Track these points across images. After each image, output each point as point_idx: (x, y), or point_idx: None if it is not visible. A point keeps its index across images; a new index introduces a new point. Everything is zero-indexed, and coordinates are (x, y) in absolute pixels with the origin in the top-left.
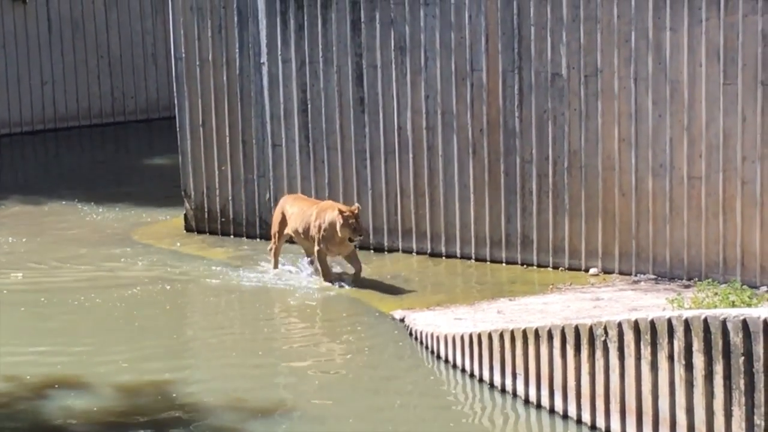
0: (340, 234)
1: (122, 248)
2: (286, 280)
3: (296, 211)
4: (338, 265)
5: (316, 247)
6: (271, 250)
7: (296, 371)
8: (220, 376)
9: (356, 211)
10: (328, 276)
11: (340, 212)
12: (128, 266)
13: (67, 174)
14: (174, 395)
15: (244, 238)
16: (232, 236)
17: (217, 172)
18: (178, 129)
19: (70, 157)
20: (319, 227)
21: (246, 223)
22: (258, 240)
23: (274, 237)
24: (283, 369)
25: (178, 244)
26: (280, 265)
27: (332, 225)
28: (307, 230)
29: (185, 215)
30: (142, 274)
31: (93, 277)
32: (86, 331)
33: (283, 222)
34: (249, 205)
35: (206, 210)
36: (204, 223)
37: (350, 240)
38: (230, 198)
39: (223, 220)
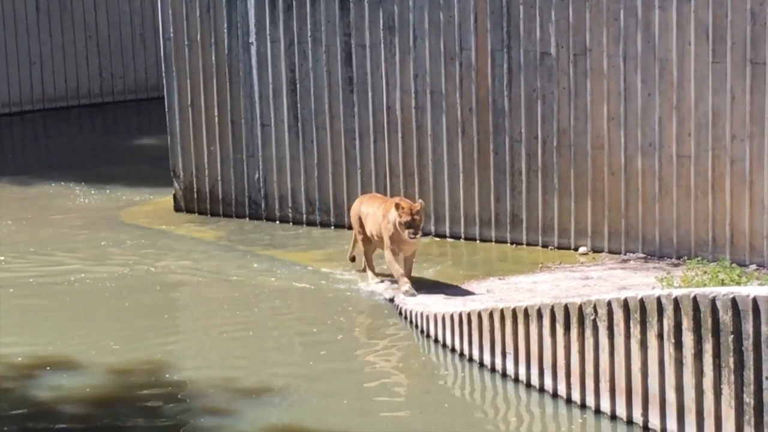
0: (399, 230)
1: (111, 229)
2: (275, 268)
3: (371, 212)
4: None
5: (387, 250)
6: (354, 257)
7: (286, 352)
8: (212, 357)
9: (414, 208)
10: (400, 278)
11: (397, 207)
12: (117, 247)
13: (55, 155)
14: (166, 376)
15: (234, 218)
16: (221, 216)
17: (206, 152)
18: (166, 109)
19: (58, 137)
20: (386, 227)
21: (235, 203)
22: (246, 220)
23: (355, 239)
24: (273, 350)
25: (167, 224)
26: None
27: (394, 222)
28: (379, 232)
29: (174, 195)
30: (131, 255)
31: (82, 258)
32: (77, 313)
33: (361, 224)
34: (238, 185)
35: (195, 190)
36: (193, 204)
37: (406, 236)
38: (219, 178)
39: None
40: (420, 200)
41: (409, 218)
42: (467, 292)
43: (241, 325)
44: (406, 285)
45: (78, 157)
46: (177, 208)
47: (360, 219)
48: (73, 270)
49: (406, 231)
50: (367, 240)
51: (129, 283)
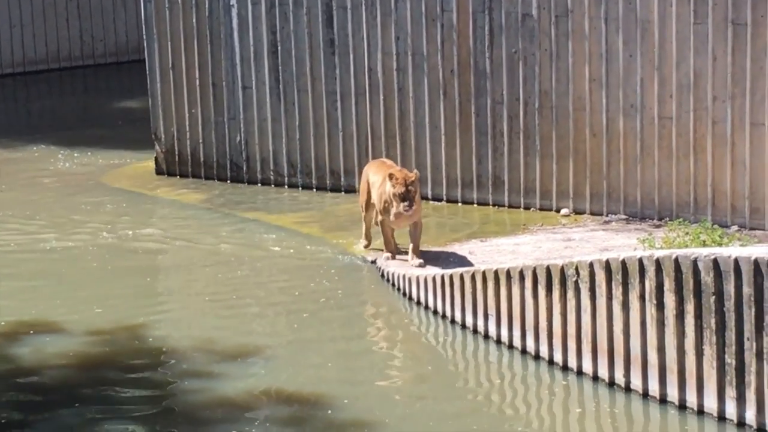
0: (391, 201)
1: (92, 192)
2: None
3: (376, 181)
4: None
5: (379, 217)
6: (365, 218)
7: (269, 315)
8: (195, 320)
9: (409, 178)
10: (389, 248)
11: (390, 177)
12: (99, 211)
13: (36, 118)
14: (150, 339)
15: (215, 180)
16: (203, 179)
17: (187, 115)
18: (147, 72)
19: (39, 101)
20: (379, 196)
21: (217, 166)
22: (228, 182)
23: (361, 207)
24: (256, 313)
25: (149, 187)
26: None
27: (388, 193)
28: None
29: (156, 158)
30: (113, 218)
31: (63, 222)
32: (59, 277)
33: (369, 191)
34: (219, 148)
35: (177, 153)
36: (175, 166)
37: (398, 209)
38: (200, 141)
39: (193, 162)
40: (415, 170)
41: (402, 189)
42: (450, 254)
43: (224, 289)
44: (387, 255)
45: (60, 120)
46: (158, 171)
47: (368, 186)
48: (54, 234)
49: (401, 204)
50: (371, 208)
51: (111, 247)
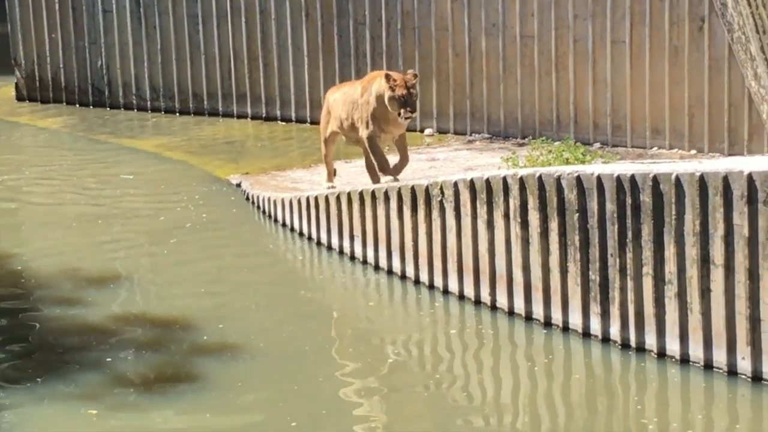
0: (389, 107)
1: None
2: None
3: (339, 96)
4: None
5: (365, 132)
6: (325, 156)
7: (133, 240)
8: (58, 247)
9: (410, 80)
10: (384, 167)
11: (388, 78)
12: None
13: None
14: (18, 267)
15: (77, 105)
16: (64, 104)
17: (47, 40)
18: None
19: None
20: (366, 103)
21: (78, 91)
22: (90, 107)
23: (323, 143)
24: (121, 238)
25: (9, 113)
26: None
27: (381, 97)
28: (352, 114)
29: (16, 84)
30: None
31: None
32: None
33: (328, 117)
34: (81, 72)
35: (38, 78)
36: (36, 92)
37: (400, 116)
38: (62, 66)
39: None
40: (412, 70)
41: (404, 92)
42: (314, 176)
43: (88, 215)
44: (388, 177)
45: None
46: (19, 97)
47: (329, 112)
48: None
49: (401, 110)
50: (332, 139)
51: None
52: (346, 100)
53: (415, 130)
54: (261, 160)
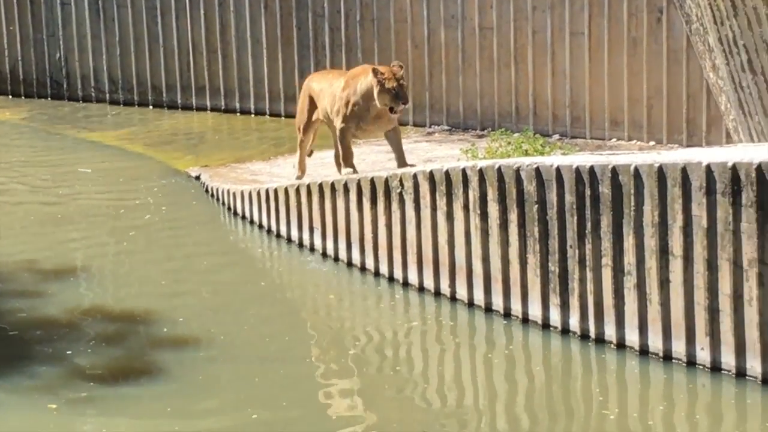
0: (378, 102)
1: None
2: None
3: (326, 87)
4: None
5: (339, 124)
6: (302, 143)
7: (93, 233)
8: (18, 240)
9: (398, 72)
10: (349, 160)
11: (375, 73)
12: None
13: None
14: None
15: (36, 98)
16: (23, 97)
17: (5, 32)
18: None
19: None
20: (347, 99)
21: (37, 84)
22: (49, 100)
23: (299, 130)
24: (80, 230)
25: None
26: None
27: (368, 93)
28: (333, 106)
29: None
30: None
31: None
32: None
33: (312, 105)
34: (39, 65)
35: None
36: None
37: (392, 110)
38: (20, 58)
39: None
40: (397, 61)
41: (395, 84)
42: (274, 168)
43: (47, 207)
44: (348, 169)
45: None
46: None
47: (311, 98)
48: None
49: (393, 102)
50: (313, 126)
51: None
52: (331, 92)
53: None
54: (220, 153)
